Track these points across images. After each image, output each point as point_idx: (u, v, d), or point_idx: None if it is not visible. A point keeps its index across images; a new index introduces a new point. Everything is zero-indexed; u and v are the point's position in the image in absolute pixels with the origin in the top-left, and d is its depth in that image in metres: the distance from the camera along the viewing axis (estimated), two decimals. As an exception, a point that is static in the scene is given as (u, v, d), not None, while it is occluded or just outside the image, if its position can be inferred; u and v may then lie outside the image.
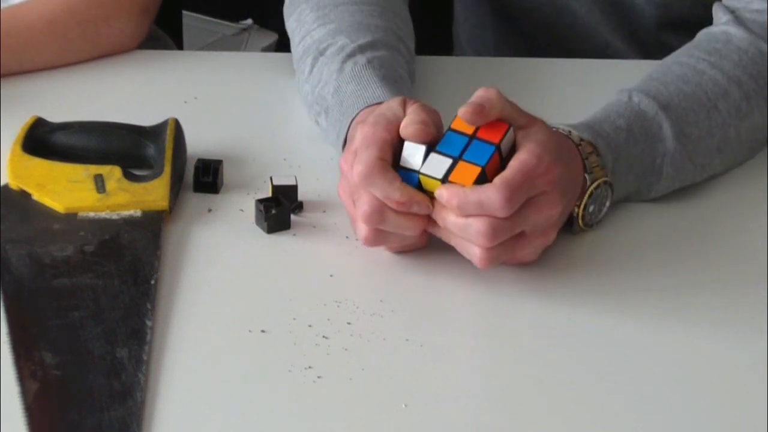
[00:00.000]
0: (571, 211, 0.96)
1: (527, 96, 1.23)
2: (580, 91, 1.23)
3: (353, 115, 1.02)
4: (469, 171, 0.90)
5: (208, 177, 1.04)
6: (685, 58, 1.08)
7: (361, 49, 1.07)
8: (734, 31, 1.09)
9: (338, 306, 0.91)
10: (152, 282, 0.92)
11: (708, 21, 1.15)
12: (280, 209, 0.99)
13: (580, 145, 0.97)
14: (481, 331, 0.90)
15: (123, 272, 0.93)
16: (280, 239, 0.99)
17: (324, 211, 1.02)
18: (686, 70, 1.06)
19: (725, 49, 1.08)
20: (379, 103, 0.99)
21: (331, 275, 0.94)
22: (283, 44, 1.64)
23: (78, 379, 0.83)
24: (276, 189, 1.01)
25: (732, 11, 1.12)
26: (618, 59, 1.33)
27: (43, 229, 0.97)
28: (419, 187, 0.91)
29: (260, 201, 1.00)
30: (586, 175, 0.96)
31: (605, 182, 0.97)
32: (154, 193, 1.00)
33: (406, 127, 0.92)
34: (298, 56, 1.14)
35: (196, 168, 1.04)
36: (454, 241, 0.92)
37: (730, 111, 1.04)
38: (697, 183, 1.04)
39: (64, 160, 1.03)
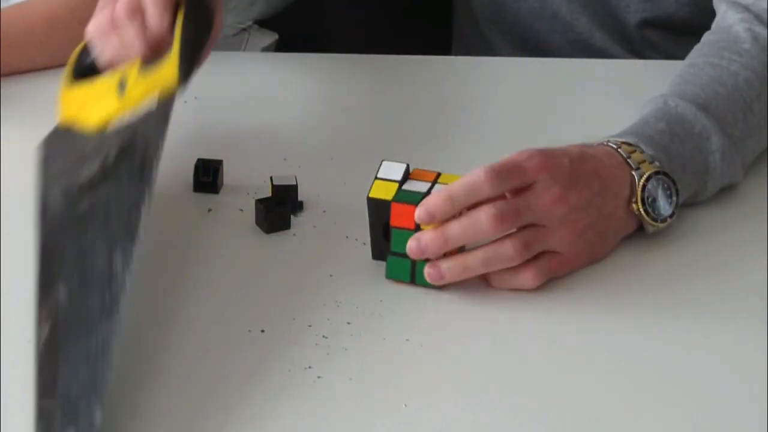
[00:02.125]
0: (635, 215, 0.96)
1: (527, 96, 1.23)
2: (580, 91, 1.23)
3: None
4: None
5: (208, 177, 1.04)
6: (715, 59, 1.07)
7: None
8: (759, 30, 1.09)
9: (338, 306, 0.91)
10: (155, 163, 0.89)
11: (693, 19, 1.15)
12: (280, 209, 0.99)
13: (619, 148, 0.97)
14: (482, 331, 0.90)
15: (133, 171, 0.90)
16: (280, 239, 0.99)
17: (324, 211, 1.02)
18: (720, 73, 1.05)
19: (754, 50, 1.08)
20: None
21: (331, 275, 0.94)
22: (283, 44, 1.64)
23: (78, 304, 0.82)
24: (276, 189, 1.01)
25: (745, 8, 1.12)
26: (615, 59, 1.34)
27: (78, 156, 0.95)
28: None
29: (260, 201, 1.00)
30: (633, 173, 0.96)
31: (657, 173, 0.96)
32: (163, 72, 0.97)
33: None
34: None
35: (196, 168, 1.04)
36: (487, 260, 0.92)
37: (763, 113, 1.04)
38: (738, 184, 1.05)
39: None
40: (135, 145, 0.94)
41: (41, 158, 0.98)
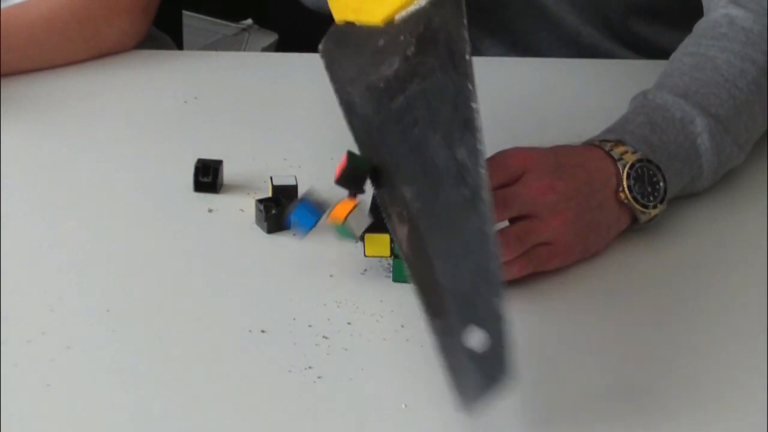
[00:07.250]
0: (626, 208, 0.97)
1: (519, 96, 1.23)
2: (577, 91, 1.23)
3: None
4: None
5: (208, 177, 1.04)
6: (693, 48, 1.08)
7: None
8: (735, 12, 1.10)
9: (338, 306, 0.91)
10: (467, 57, 0.83)
11: (676, 9, 1.15)
12: (280, 209, 0.99)
13: (601, 144, 0.98)
14: (481, 331, 0.90)
15: (442, 61, 0.85)
16: (280, 239, 0.99)
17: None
18: (698, 60, 1.06)
19: (731, 32, 1.08)
20: None
21: (331, 275, 0.94)
22: (283, 44, 1.64)
23: (432, 200, 0.79)
24: (276, 189, 1.01)
25: None
26: (606, 58, 1.33)
27: (371, 52, 0.91)
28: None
29: (260, 201, 1.00)
30: (618, 164, 0.96)
31: (640, 160, 0.97)
32: None
33: None
34: None
35: (196, 168, 1.04)
36: None
37: (750, 88, 1.05)
38: (739, 166, 1.05)
39: None
40: (435, 36, 0.88)
41: (327, 64, 0.95)
